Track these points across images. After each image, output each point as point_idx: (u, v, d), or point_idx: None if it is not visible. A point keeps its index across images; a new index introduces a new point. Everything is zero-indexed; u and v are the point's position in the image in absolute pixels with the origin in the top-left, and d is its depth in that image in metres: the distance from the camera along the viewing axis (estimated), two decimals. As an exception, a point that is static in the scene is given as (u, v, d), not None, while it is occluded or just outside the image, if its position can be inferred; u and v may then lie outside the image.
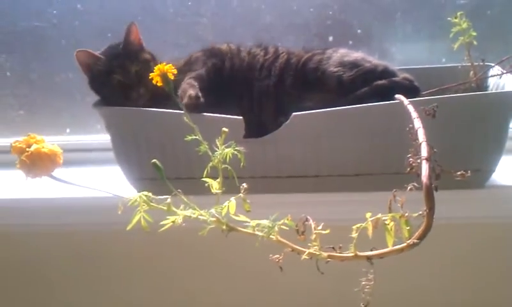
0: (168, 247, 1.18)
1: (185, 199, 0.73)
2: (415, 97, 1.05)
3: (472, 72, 1.23)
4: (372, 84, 1.10)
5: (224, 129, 0.75)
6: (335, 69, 1.13)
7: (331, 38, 1.36)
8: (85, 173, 1.41)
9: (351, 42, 1.35)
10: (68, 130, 1.53)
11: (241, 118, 1.06)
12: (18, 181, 1.26)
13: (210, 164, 0.75)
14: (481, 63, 1.22)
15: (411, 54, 1.36)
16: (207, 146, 0.75)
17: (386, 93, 1.05)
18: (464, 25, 1.21)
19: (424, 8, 1.34)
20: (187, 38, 1.39)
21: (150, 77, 0.87)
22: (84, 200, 1.22)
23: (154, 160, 0.74)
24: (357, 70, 1.13)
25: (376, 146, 1.07)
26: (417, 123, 0.80)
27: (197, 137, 0.76)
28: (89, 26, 1.44)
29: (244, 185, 0.75)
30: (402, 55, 1.35)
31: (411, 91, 1.09)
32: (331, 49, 1.19)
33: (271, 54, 1.21)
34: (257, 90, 1.16)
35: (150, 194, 0.74)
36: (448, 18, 1.22)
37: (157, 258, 1.28)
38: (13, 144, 0.75)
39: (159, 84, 0.79)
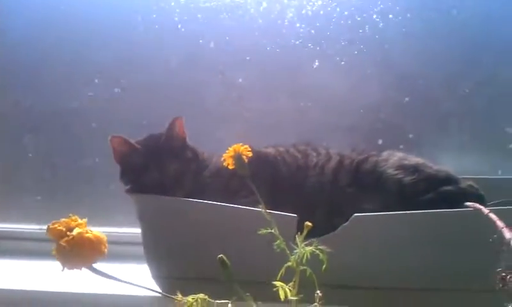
0: None
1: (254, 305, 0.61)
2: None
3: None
4: (437, 190, 1.01)
5: (308, 223, 0.64)
6: (395, 172, 1.05)
7: (380, 142, 1.28)
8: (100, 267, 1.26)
9: (401, 146, 1.26)
10: (85, 220, 1.40)
11: (295, 215, 0.96)
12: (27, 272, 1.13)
13: (287, 264, 0.63)
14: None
15: (465, 163, 1.28)
16: (283, 243, 0.64)
17: (452, 200, 0.99)
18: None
19: (480, 116, 1.28)
20: (228, 133, 1.31)
21: (189, 177, 0.87)
22: (116, 297, 1.07)
23: (221, 256, 0.62)
24: (418, 174, 1.05)
25: (444, 257, 0.94)
26: (508, 234, 0.71)
27: (272, 231, 0.65)
28: (125, 112, 1.36)
29: (319, 292, 0.63)
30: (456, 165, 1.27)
31: (477, 199, 1.00)
32: (386, 152, 1.12)
33: (323, 154, 1.14)
34: (310, 188, 1.06)
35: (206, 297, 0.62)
36: (507, 129, 1.15)
37: None
38: (51, 226, 0.64)
39: (230, 166, 0.69)
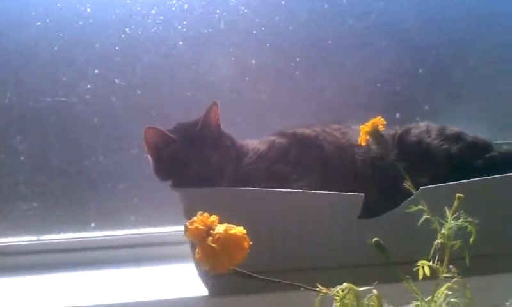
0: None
1: (414, 287, 0.58)
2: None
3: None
4: (484, 156, 1.04)
5: (459, 195, 0.62)
6: (441, 142, 1.06)
7: (398, 115, 1.29)
8: (115, 274, 1.18)
9: (418, 118, 1.28)
10: (92, 225, 1.29)
11: (361, 194, 0.94)
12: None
13: (438, 240, 0.60)
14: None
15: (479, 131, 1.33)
16: (437, 220, 0.61)
17: (499, 165, 1.02)
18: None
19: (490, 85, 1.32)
20: (244, 116, 1.26)
21: (231, 166, 0.94)
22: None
23: (376, 239, 0.59)
24: (463, 143, 1.07)
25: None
26: None
27: (421, 207, 0.62)
28: (128, 103, 1.26)
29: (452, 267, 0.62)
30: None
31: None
32: (422, 123, 1.13)
33: (356, 130, 1.12)
34: (361, 165, 1.04)
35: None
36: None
37: None
38: (190, 227, 0.56)
39: (363, 143, 0.65)
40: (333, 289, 0.58)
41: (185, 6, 1.25)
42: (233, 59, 1.27)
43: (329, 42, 1.29)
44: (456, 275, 0.61)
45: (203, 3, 1.25)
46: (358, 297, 0.57)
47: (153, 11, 1.24)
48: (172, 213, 1.29)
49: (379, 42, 1.29)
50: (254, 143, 1.09)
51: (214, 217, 0.58)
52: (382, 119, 0.67)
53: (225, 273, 0.57)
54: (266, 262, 0.97)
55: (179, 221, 1.28)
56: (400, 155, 1.06)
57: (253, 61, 1.28)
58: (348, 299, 0.56)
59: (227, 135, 1.05)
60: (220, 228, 0.56)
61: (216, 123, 1.03)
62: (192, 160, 0.98)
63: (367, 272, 0.96)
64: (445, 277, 0.61)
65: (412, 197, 0.95)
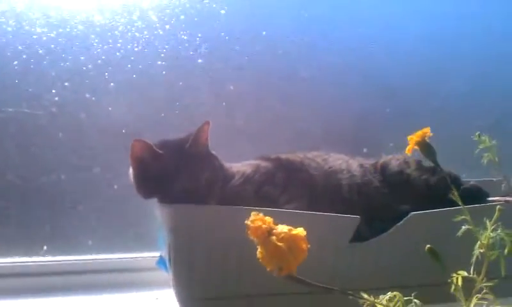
0: None
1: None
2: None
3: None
4: (460, 188, 1.09)
5: (500, 207, 0.63)
6: (420, 173, 1.10)
7: (365, 150, 1.32)
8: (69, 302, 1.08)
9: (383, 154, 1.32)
10: (45, 248, 1.17)
11: (357, 216, 0.94)
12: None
13: (477, 250, 0.61)
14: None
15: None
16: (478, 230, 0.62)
17: (475, 196, 1.07)
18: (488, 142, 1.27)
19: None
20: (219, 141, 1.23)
21: (219, 186, 0.93)
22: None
23: (429, 246, 0.58)
24: (438, 175, 1.11)
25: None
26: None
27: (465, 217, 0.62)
28: (97, 119, 1.19)
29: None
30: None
31: (485, 196, 1.10)
32: (394, 155, 1.17)
33: (339, 159, 1.14)
34: (347, 191, 1.05)
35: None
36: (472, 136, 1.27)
37: None
38: (253, 225, 0.53)
39: (408, 152, 0.66)
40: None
41: (167, 27, 1.23)
42: (211, 84, 1.26)
43: (305, 75, 1.31)
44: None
45: (184, 25, 1.24)
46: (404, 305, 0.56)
47: (133, 29, 1.21)
48: (132, 238, 1.22)
49: (352, 79, 1.34)
50: (237, 166, 1.07)
51: (269, 218, 0.55)
52: (429, 129, 0.68)
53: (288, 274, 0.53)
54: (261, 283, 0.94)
55: (140, 247, 1.23)
56: (386, 183, 1.09)
57: (231, 87, 1.27)
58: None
59: (214, 155, 1.02)
60: (283, 228, 0.53)
61: (205, 142, 1.00)
62: (182, 178, 0.94)
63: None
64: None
65: (400, 223, 0.99)
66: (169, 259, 0.97)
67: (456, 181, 1.13)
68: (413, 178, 1.10)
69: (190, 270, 0.93)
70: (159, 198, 0.95)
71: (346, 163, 1.12)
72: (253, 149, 1.21)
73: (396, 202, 1.05)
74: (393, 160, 1.13)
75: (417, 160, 1.15)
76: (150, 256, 1.21)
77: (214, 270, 0.93)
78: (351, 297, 0.58)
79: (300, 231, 0.54)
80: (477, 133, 1.25)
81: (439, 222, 0.97)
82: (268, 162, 1.09)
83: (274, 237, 0.52)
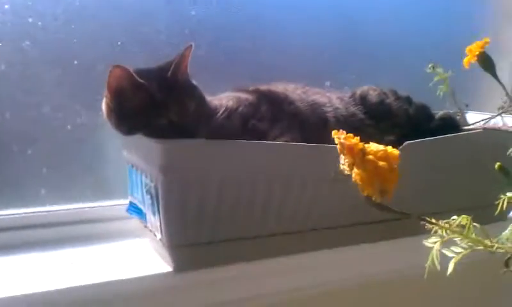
0: None
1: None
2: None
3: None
4: (438, 117, 1.11)
5: None
6: (400, 103, 1.10)
7: (328, 83, 1.29)
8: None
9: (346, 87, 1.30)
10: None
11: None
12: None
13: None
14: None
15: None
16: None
17: (454, 125, 1.13)
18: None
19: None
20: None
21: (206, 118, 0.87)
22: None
23: (499, 164, 0.56)
24: (415, 105, 1.12)
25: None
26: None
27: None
28: (45, 48, 1.03)
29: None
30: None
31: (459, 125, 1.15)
32: (370, 85, 1.15)
33: (319, 93, 1.09)
34: (334, 123, 1.02)
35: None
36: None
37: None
38: (346, 142, 0.46)
39: (466, 65, 0.62)
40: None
41: None
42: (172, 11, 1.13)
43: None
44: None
45: None
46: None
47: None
48: (90, 186, 1.10)
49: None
50: (216, 99, 0.98)
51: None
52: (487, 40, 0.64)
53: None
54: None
55: (98, 196, 1.11)
56: (369, 114, 1.07)
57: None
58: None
59: (196, 84, 0.92)
60: (376, 146, 0.47)
61: (186, 70, 0.90)
62: (169, 110, 0.84)
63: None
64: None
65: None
66: (151, 204, 0.88)
67: (427, 110, 1.15)
68: (394, 108, 1.09)
69: (182, 213, 0.85)
70: (143, 133, 0.84)
71: (326, 96, 1.08)
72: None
73: (381, 133, 1.04)
74: (371, 91, 1.11)
75: (393, 89, 1.14)
76: (111, 204, 1.10)
77: (208, 213, 0.86)
78: (422, 222, 0.54)
79: (394, 150, 0.49)
80: (430, 65, 1.29)
81: (435, 150, 0.99)
82: (248, 93, 1.01)
83: (371, 156, 0.46)
